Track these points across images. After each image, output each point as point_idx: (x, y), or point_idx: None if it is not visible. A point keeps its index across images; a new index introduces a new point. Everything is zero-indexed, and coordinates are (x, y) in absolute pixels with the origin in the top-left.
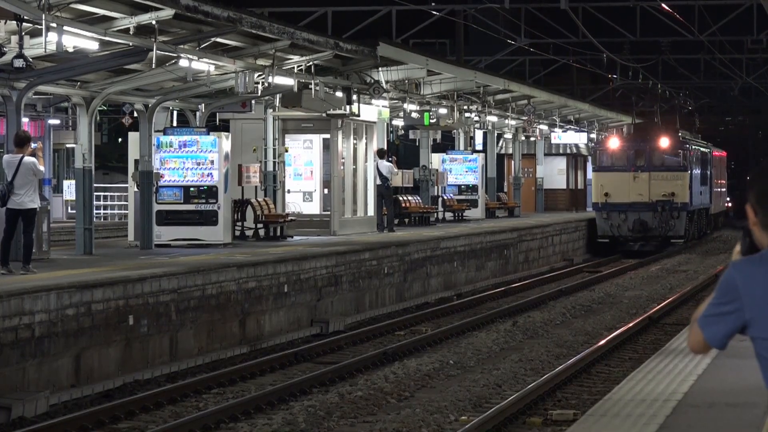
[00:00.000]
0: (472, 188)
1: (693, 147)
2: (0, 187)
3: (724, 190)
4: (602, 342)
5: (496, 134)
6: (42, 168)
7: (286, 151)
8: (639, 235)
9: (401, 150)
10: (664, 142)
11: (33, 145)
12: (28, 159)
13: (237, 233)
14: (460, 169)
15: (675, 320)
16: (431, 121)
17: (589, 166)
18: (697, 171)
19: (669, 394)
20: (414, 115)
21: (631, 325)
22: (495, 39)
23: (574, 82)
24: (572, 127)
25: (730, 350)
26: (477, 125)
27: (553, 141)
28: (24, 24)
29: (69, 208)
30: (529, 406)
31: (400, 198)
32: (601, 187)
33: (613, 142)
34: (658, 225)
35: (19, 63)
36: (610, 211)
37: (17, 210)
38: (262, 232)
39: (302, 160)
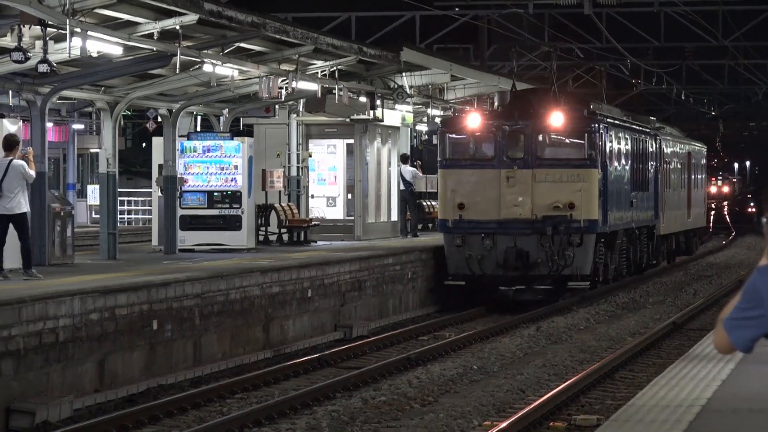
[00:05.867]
0: None
1: (611, 128)
2: None
3: (701, 197)
4: (626, 347)
5: None
6: (32, 172)
7: (310, 155)
8: (515, 273)
9: (425, 155)
10: (557, 118)
11: (23, 150)
12: (16, 162)
13: (261, 238)
14: None
15: (699, 326)
16: None
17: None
18: (621, 167)
19: (693, 399)
20: (438, 120)
21: (655, 330)
22: (519, 44)
23: (603, 87)
24: None
25: (754, 356)
26: None
27: None
28: (48, 29)
29: (93, 212)
30: (553, 412)
31: (424, 203)
32: (451, 195)
33: (473, 120)
34: (546, 257)
35: (43, 68)
36: (467, 233)
37: (6, 215)
38: (285, 237)
39: (326, 165)
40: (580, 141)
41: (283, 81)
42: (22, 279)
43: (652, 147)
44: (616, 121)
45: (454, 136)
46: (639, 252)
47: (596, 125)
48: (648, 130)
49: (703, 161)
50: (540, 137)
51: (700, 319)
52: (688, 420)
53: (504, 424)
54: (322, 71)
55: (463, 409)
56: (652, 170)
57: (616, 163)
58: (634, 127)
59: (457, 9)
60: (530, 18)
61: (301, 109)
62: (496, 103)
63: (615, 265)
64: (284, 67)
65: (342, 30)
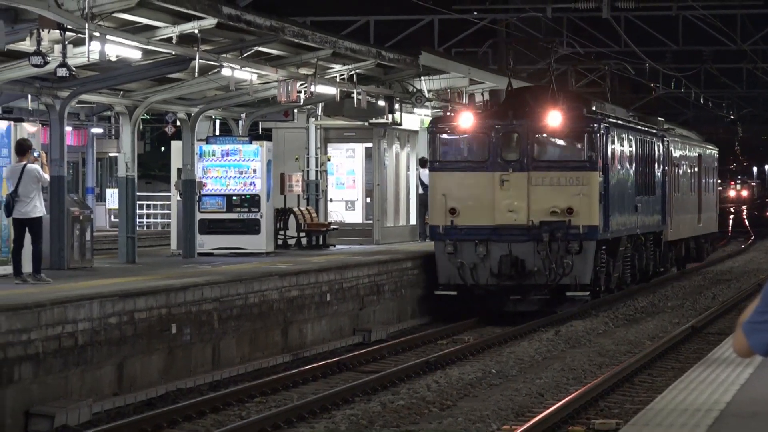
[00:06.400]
0: None
1: (614, 128)
2: (5, 196)
3: (712, 202)
4: (645, 351)
5: None
6: (46, 176)
7: (329, 159)
8: (510, 282)
9: None
10: (555, 118)
11: (36, 154)
12: (31, 166)
13: (279, 242)
14: None
15: (718, 330)
16: None
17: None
18: (624, 170)
19: (711, 403)
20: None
21: (673, 334)
22: (537, 47)
23: (616, 91)
24: None
25: None
26: None
27: None
28: (67, 33)
29: (112, 216)
30: (572, 416)
31: None
32: (443, 199)
33: (465, 120)
34: (543, 266)
35: (62, 72)
36: (459, 240)
37: (22, 219)
38: (304, 241)
39: (344, 169)
40: (579, 142)
41: (301, 85)
42: (30, 283)
43: (658, 149)
44: (620, 121)
45: (445, 136)
46: (645, 259)
47: (596, 125)
48: (655, 131)
49: (715, 164)
50: (536, 138)
51: (719, 323)
52: (707, 424)
53: (523, 428)
54: (340, 75)
55: (482, 413)
56: (658, 173)
57: (618, 166)
58: (639, 127)
59: (475, 13)
60: (548, 22)
61: (319, 113)
62: (491, 102)
63: (618, 273)
64: (303, 71)
65: (360, 34)
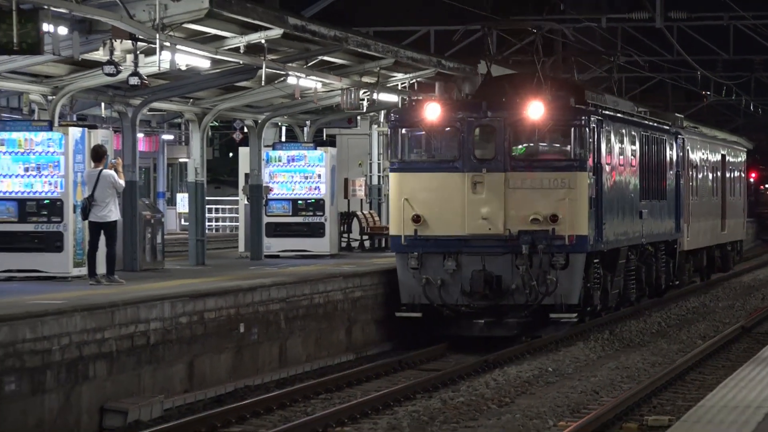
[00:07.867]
0: None
1: (610, 122)
2: (81, 200)
3: (739, 206)
4: (697, 350)
5: None
6: (122, 182)
7: None
8: (484, 302)
9: None
10: (536, 110)
11: (113, 160)
12: (106, 172)
13: (343, 245)
14: None
15: (767, 329)
16: None
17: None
18: (625, 171)
19: (761, 401)
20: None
21: (724, 333)
22: (592, 56)
23: (669, 100)
24: None
25: None
26: None
27: None
28: (139, 43)
29: (182, 220)
30: (626, 412)
31: None
32: (405, 204)
33: (431, 111)
34: (522, 283)
35: (134, 81)
36: (424, 253)
37: (98, 223)
38: (367, 244)
39: None
40: (565, 137)
41: (364, 93)
42: (104, 284)
43: (671, 148)
44: (619, 115)
45: (407, 131)
46: (656, 272)
47: (586, 118)
48: (667, 128)
49: (743, 166)
50: (515, 133)
51: None
52: (756, 421)
53: (578, 424)
54: (402, 83)
55: (539, 409)
56: (671, 175)
57: (617, 166)
58: (646, 123)
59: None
60: (603, 32)
61: (382, 120)
62: (466, 90)
63: (618, 289)
64: (365, 79)
65: (421, 43)
